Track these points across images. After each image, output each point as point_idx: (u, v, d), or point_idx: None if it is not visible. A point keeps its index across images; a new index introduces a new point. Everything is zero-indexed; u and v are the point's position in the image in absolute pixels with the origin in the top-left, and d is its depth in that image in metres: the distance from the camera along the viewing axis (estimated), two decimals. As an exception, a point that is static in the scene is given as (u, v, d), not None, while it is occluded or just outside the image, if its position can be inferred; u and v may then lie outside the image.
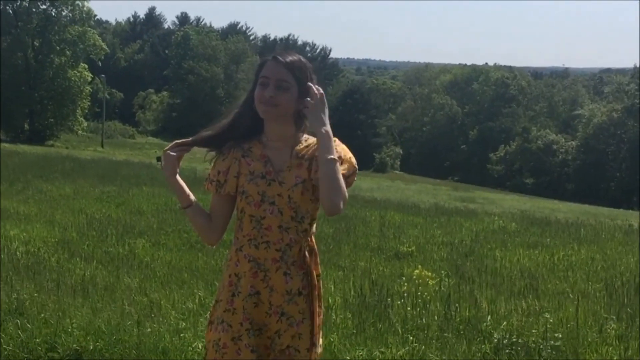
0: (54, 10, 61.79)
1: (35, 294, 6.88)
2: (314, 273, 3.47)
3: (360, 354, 5.50)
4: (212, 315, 3.54)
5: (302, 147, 3.45)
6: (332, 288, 7.88)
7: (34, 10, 61.61)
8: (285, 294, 3.41)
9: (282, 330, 3.43)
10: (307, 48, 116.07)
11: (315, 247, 3.51)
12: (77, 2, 61.70)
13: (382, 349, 5.65)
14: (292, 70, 3.35)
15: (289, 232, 3.39)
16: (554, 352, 5.88)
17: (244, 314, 3.42)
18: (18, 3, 61.41)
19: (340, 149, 3.42)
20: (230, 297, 3.45)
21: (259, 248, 3.41)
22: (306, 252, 3.43)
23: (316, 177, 3.32)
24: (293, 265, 3.41)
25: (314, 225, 3.49)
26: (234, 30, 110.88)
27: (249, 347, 3.39)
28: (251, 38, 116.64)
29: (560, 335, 6.13)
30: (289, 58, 3.38)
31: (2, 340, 5.61)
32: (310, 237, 3.48)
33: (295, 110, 3.39)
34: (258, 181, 3.40)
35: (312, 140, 3.46)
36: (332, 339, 5.76)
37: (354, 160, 3.45)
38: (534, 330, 6.32)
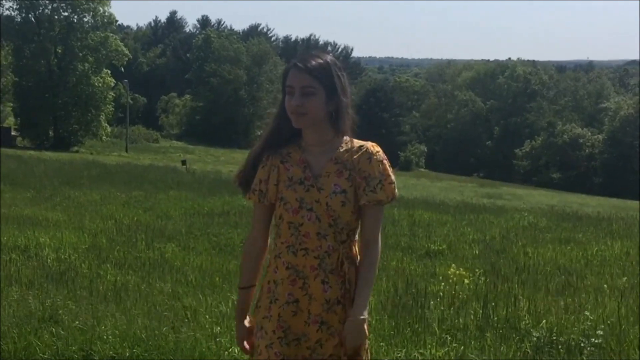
0: (75, 16, 62.17)
1: (69, 301, 6.85)
2: (354, 283, 3.36)
3: (399, 355, 5.42)
4: (254, 321, 3.49)
5: (342, 151, 3.36)
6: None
7: (55, 17, 62.00)
8: (325, 303, 3.32)
9: (324, 340, 3.34)
10: (329, 48, 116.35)
11: (356, 256, 3.42)
12: (98, 8, 62.03)
13: (420, 350, 5.56)
14: (314, 73, 3.26)
15: (327, 239, 3.30)
16: (596, 350, 5.77)
17: (278, 321, 3.35)
18: (40, 10, 61.81)
19: (378, 169, 3.34)
20: (268, 304, 3.39)
21: (297, 255, 3.33)
22: (345, 260, 3.34)
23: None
24: (331, 273, 3.32)
25: (355, 234, 3.41)
26: (255, 32, 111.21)
27: (279, 355, 3.33)
28: (272, 39, 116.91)
29: (601, 333, 6.01)
30: (310, 62, 3.28)
31: (38, 349, 5.58)
32: (350, 246, 3.39)
33: (328, 113, 3.31)
34: (296, 187, 3.33)
35: (353, 143, 3.38)
36: (368, 341, 5.67)
37: (392, 179, 3.36)
38: (574, 328, 6.21)
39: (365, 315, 3.31)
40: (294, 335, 3.35)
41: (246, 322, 3.52)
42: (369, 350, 3.50)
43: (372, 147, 3.38)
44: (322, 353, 3.36)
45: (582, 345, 5.83)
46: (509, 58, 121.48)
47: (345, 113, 3.35)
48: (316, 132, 3.35)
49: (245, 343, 3.54)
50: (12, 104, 64.54)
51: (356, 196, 3.32)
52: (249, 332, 3.53)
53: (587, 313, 6.64)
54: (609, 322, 6.47)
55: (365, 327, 3.31)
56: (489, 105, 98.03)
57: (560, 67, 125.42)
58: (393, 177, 3.36)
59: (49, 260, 9.17)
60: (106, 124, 64.15)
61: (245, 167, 3.49)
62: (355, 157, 3.33)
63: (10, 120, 66.58)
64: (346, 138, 3.39)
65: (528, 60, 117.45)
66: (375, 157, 3.34)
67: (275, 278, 3.38)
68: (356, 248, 3.43)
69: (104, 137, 64.16)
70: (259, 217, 3.48)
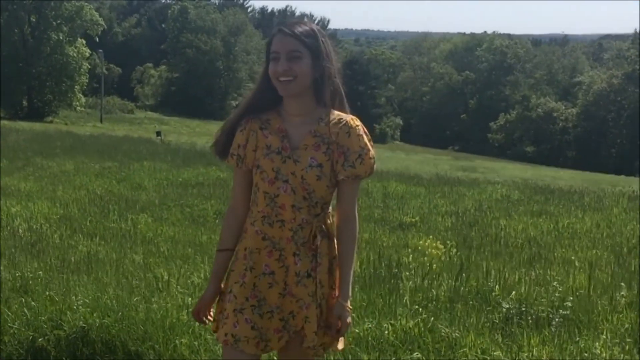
0: (49, -15, 61.38)
1: (40, 272, 6.82)
2: (326, 256, 3.37)
3: (369, 326, 5.44)
4: (225, 286, 3.48)
5: (322, 124, 3.33)
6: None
7: (29, -15, 61.20)
8: (295, 276, 3.34)
9: (296, 312, 3.36)
10: (306, 19, 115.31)
11: (332, 229, 3.42)
12: (72, -24, 61.30)
13: (391, 321, 5.59)
14: (301, 39, 3.23)
15: (301, 212, 3.30)
16: (564, 321, 5.83)
17: (253, 290, 3.35)
18: (13, -22, 60.99)
19: (358, 144, 3.32)
20: (243, 270, 3.38)
21: (273, 226, 3.33)
22: (317, 234, 3.33)
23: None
24: (303, 246, 3.32)
25: (329, 207, 3.41)
26: (231, 3, 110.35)
27: (250, 322, 3.33)
28: (249, 10, 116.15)
29: (570, 304, 6.07)
30: (297, 28, 3.26)
31: (8, 319, 5.56)
32: (324, 219, 3.39)
33: (313, 80, 3.28)
34: (274, 157, 3.30)
35: (333, 116, 3.35)
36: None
37: (372, 154, 3.35)
38: (543, 299, 6.27)
39: (350, 305, 3.35)
40: (268, 307, 3.36)
41: (217, 287, 3.53)
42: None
43: (352, 120, 3.35)
44: (294, 324, 3.38)
45: (550, 316, 5.89)
46: (485, 32, 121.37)
47: (328, 81, 3.33)
48: (299, 100, 3.32)
49: (205, 311, 3.56)
50: (-16, 74, 63.73)
51: (332, 170, 3.31)
52: (215, 297, 3.54)
53: (555, 284, 6.71)
54: (577, 293, 6.54)
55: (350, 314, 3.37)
56: (465, 77, 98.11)
57: (535, 41, 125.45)
58: (372, 152, 3.34)
59: (20, 230, 9.11)
60: (80, 95, 63.55)
61: (223, 134, 3.46)
62: (334, 130, 3.31)
63: (-17, 90, 65.79)
64: (327, 110, 3.36)
65: (504, 34, 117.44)
66: (354, 131, 3.32)
67: (248, 245, 3.38)
68: (330, 220, 3.43)
69: (78, 108, 63.58)
70: (239, 181, 3.46)
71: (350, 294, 3.35)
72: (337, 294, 3.41)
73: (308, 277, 3.33)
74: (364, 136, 3.34)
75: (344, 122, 3.33)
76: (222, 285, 3.52)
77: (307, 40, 3.25)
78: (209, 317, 3.56)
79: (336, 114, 3.36)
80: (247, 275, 3.37)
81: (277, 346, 3.41)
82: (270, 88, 3.31)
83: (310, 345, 3.34)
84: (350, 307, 3.36)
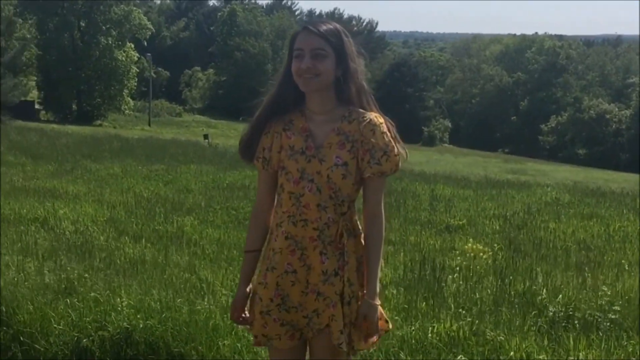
0: (98, -10, 62.12)
1: (85, 274, 6.86)
2: (353, 254, 3.35)
3: (413, 329, 5.38)
4: (253, 286, 3.53)
5: (345, 122, 3.32)
6: (383, 263, 7.74)
7: (79, -10, 61.99)
8: (322, 274, 3.32)
9: (321, 310, 3.35)
10: (353, 22, 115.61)
11: (358, 227, 3.40)
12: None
13: (434, 324, 5.53)
14: (326, 37, 3.24)
15: (327, 211, 3.29)
16: (612, 325, 5.72)
17: (276, 290, 3.37)
18: (63, -17, 61.80)
19: (383, 141, 3.29)
20: (265, 270, 3.42)
21: (297, 226, 3.32)
22: (344, 232, 3.31)
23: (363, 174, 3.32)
24: (330, 245, 3.31)
25: (354, 205, 3.38)
26: (279, 6, 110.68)
27: (278, 320, 3.37)
28: (296, 13, 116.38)
29: (618, 308, 5.96)
30: (322, 27, 3.27)
31: (53, 319, 5.59)
32: (350, 217, 3.37)
33: (335, 79, 3.27)
34: (298, 157, 3.31)
35: (356, 114, 3.33)
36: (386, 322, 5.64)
37: (397, 151, 3.31)
38: (591, 303, 6.16)
39: (378, 302, 3.32)
40: (291, 303, 3.37)
41: (247, 289, 3.54)
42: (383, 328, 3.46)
43: (376, 118, 3.34)
44: (318, 322, 3.37)
45: (598, 320, 5.78)
46: (536, 33, 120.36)
47: (352, 80, 3.31)
48: (321, 99, 3.32)
49: (239, 312, 3.56)
50: (35, 78, 64.61)
51: (357, 168, 3.30)
52: (247, 298, 3.54)
53: (604, 288, 6.58)
54: (626, 297, 6.41)
55: (378, 312, 3.33)
56: (515, 79, 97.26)
57: (588, 42, 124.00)
58: (397, 149, 3.32)
59: (67, 232, 9.20)
60: (129, 98, 64.34)
61: (247, 136, 3.48)
62: (358, 128, 3.30)
63: (34, 94, 66.69)
64: (350, 107, 3.34)
65: (555, 35, 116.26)
66: (379, 128, 3.31)
67: (273, 246, 3.40)
68: (356, 218, 3.41)
69: (127, 111, 64.33)
70: (265, 183, 3.48)
71: (377, 290, 3.31)
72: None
73: (335, 275, 3.31)
74: (388, 133, 3.33)
75: (368, 119, 3.31)
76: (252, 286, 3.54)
77: (331, 39, 3.25)
78: (244, 316, 3.57)
79: (360, 112, 3.33)
80: (269, 275, 3.39)
81: (308, 335, 3.41)
82: (292, 85, 3.31)
83: (337, 343, 3.31)
84: (379, 303, 3.33)
